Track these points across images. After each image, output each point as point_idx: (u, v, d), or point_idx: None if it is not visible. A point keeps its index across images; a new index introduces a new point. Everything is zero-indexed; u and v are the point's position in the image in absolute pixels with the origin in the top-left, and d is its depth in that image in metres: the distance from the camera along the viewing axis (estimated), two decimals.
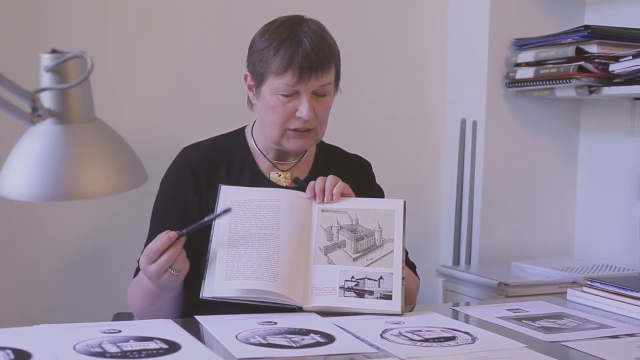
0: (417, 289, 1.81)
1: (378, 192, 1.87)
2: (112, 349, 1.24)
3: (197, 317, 1.48)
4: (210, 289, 1.52)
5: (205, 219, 1.56)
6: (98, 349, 1.23)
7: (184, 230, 1.52)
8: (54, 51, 0.98)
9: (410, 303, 1.74)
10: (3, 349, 1.21)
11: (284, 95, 1.66)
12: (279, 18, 1.71)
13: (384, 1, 2.59)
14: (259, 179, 1.75)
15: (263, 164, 1.78)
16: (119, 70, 2.27)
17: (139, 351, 1.23)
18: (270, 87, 1.66)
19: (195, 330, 1.39)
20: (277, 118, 1.67)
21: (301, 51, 1.63)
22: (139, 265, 1.61)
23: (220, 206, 1.62)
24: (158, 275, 1.51)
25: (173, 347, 1.27)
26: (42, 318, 1.95)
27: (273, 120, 1.68)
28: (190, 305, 1.69)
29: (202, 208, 1.69)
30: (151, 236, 1.68)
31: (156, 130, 2.32)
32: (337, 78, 1.74)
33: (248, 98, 1.78)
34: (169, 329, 1.38)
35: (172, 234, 1.51)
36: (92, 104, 1.03)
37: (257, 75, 1.69)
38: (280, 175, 1.76)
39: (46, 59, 0.98)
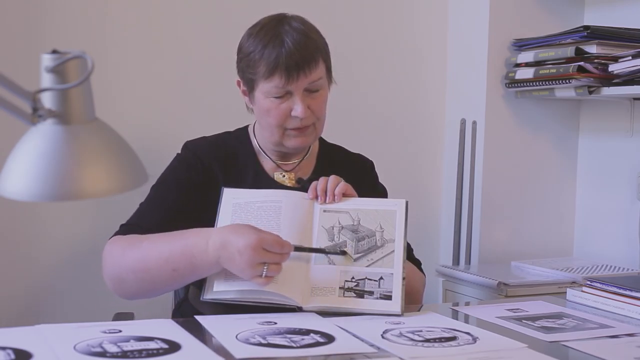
0: (423, 286, 1.81)
1: (381, 191, 1.87)
2: (113, 348, 1.24)
3: (197, 317, 1.48)
4: (211, 291, 1.52)
5: (325, 249, 1.58)
6: (99, 349, 1.23)
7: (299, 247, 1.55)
8: (54, 51, 0.98)
9: (416, 301, 1.74)
10: (3, 349, 1.21)
11: (276, 98, 1.65)
12: (262, 20, 1.70)
13: (383, 2, 2.59)
14: (263, 179, 1.75)
15: (267, 164, 1.78)
16: (119, 71, 2.27)
17: (140, 351, 1.23)
18: (262, 91, 1.66)
19: (195, 330, 1.39)
20: (273, 120, 1.67)
21: (284, 52, 1.61)
22: (130, 221, 1.64)
23: (222, 208, 1.62)
24: (254, 262, 1.44)
25: (173, 347, 1.27)
26: (43, 318, 1.96)
27: (270, 123, 1.68)
28: (191, 305, 1.70)
29: (205, 193, 1.69)
30: (151, 200, 1.69)
31: (156, 131, 2.32)
32: (329, 70, 1.73)
33: (246, 105, 1.78)
34: (169, 329, 1.39)
35: (287, 242, 1.49)
36: (92, 104, 1.03)
37: (248, 82, 1.69)
38: (284, 176, 1.77)
39: (47, 60, 0.98)
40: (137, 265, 1.54)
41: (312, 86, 1.66)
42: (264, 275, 1.46)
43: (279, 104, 1.66)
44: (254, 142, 1.79)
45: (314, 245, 1.59)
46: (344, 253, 1.59)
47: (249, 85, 1.70)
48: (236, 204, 1.62)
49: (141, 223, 1.63)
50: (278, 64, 1.61)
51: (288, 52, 1.61)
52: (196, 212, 1.65)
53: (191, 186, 1.70)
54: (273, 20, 1.68)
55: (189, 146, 1.77)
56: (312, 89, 1.67)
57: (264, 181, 1.75)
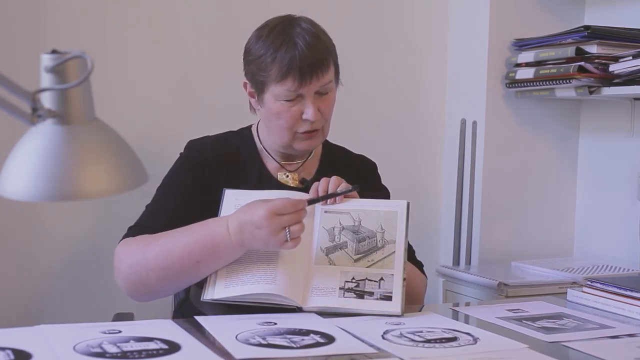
0: (424, 287, 1.81)
1: (384, 193, 1.87)
2: (112, 349, 1.24)
3: (197, 318, 1.47)
4: (212, 295, 1.53)
5: (337, 191, 1.62)
6: (98, 349, 1.23)
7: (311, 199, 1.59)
8: (54, 51, 0.98)
9: (417, 302, 1.74)
10: (3, 349, 1.21)
11: (287, 101, 1.65)
12: (270, 21, 1.69)
13: (383, 2, 2.59)
14: (266, 180, 1.75)
15: (270, 165, 1.78)
16: (119, 71, 2.27)
17: (139, 351, 1.23)
18: (273, 94, 1.65)
19: (195, 331, 1.39)
20: (283, 123, 1.67)
21: (298, 55, 1.61)
22: (143, 219, 1.63)
23: (224, 209, 1.62)
24: (277, 229, 1.46)
25: (173, 347, 1.27)
26: (42, 318, 1.96)
27: (280, 126, 1.68)
28: (192, 306, 1.70)
29: (208, 192, 1.69)
30: (158, 201, 1.69)
31: (156, 131, 2.32)
32: (337, 72, 1.73)
33: (250, 103, 1.78)
34: (169, 329, 1.38)
35: (299, 199, 1.51)
36: (92, 104, 1.03)
37: (257, 84, 1.68)
38: (288, 176, 1.76)
39: (46, 59, 0.98)
40: (159, 263, 1.53)
41: (322, 89, 1.66)
42: (289, 238, 1.47)
43: (290, 107, 1.65)
44: (258, 143, 1.79)
45: (315, 246, 1.59)
46: (356, 189, 1.62)
47: (258, 87, 1.69)
48: (238, 205, 1.62)
49: (150, 224, 1.63)
50: (292, 67, 1.61)
51: (302, 55, 1.61)
52: (201, 211, 1.65)
53: (197, 185, 1.70)
54: (282, 22, 1.67)
55: (192, 145, 1.77)
56: (323, 92, 1.67)
57: (268, 181, 1.75)
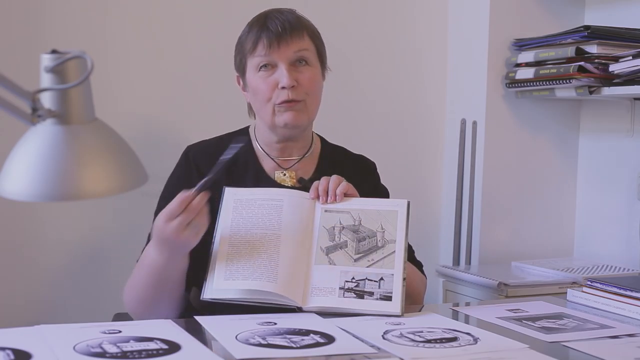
0: (424, 287, 1.82)
1: (383, 193, 1.87)
2: (112, 349, 1.24)
3: (197, 318, 1.48)
4: (210, 290, 1.52)
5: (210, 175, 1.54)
6: (98, 349, 1.23)
7: (197, 187, 1.50)
8: (54, 51, 0.98)
9: (417, 302, 1.74)
10: (3, 349, 1.21)
11: (263, 71, 1.68)
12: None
13: (383, 2, 2.59)
14: (263, 179, 1.75)
15: (267, 165, 1.78)
16: (119, 70, 2.27)
17: (139, 351, 1.23)
18: (251, 69, 1.70)
19: (195, 331, 1.39)
20: (262, 96, 1.69)
21: (270, 24, 1.67)
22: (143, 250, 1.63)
23: (224, 205, 1.62)
24: (178, 232, 1.47)
25: (173, 347, 1.27)
26: (42, 318, 1.96)
27: (260, 100, 1.70)
28: (191, 306, 1.70)
29: (208, 195, 1.69)
30: (158, 212, 1.68)
31: (156, 131, 2.32)
32: (320, 54, 1.75)
33: (248, 105, 1.79)
34: (169, 329, 1.38)
35: (189, 192, 1.49)
36: (92, 104, 1.03)
37: (240, 66, 1.73)
38: (285, 174, 1.76)
39: (46, 60, 0.98)
40: (138, 299, 1.61)
41: (297, 56, 1.68)
42: (195, 232, 1.49)
43: (266, 77, 1.68)
44: (254, 143, 1.79)
45: (315, 246, 1.59)
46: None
47: (241, 69, 1.73)
48: (237, 200, 1.62)
49: None
50: (262, 35, 1.66)
51: (273, 24, 1.67)
52: None
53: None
54: (265, 12, 1.73)
55: (190, 151, 1.78)
56: (298, 61, 1.69)
57: (265, 182, 1.75)
